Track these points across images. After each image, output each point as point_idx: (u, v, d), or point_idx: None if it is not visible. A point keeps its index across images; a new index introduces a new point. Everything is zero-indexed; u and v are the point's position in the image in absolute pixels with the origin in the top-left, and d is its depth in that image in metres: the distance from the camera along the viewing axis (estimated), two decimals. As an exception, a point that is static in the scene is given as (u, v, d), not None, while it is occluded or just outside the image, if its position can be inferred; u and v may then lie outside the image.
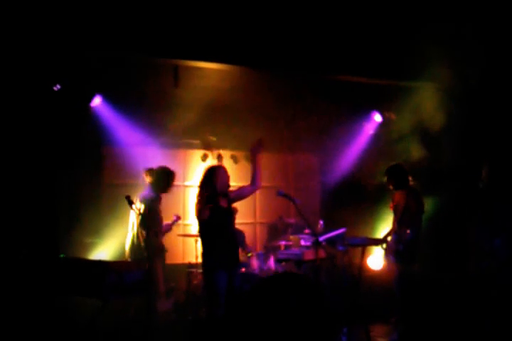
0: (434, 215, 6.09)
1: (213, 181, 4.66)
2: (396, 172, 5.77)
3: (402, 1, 6.06)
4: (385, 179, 5.83)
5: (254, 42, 5.99)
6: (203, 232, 4.73)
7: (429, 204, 5.79)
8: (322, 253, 5.27)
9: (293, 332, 3.93)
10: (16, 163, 5.47)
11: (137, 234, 5.51)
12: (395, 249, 5.53)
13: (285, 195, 4.92)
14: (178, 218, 6.30)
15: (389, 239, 5.69)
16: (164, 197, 5.85)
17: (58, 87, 5.86)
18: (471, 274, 5.27)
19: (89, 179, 6.83)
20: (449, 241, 6.24)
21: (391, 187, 5.79)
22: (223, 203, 4.68)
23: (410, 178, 5.71)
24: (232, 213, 4.89)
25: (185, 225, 7.49)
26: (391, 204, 5.82)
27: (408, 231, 5.46)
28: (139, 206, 5.49)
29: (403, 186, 5.69)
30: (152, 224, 5.41)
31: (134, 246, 5.55)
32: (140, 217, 5.30)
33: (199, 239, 6.49)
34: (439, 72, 6.11)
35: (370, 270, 6.97)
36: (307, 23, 6.04)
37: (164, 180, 5.73)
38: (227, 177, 4.76)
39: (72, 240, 6.00)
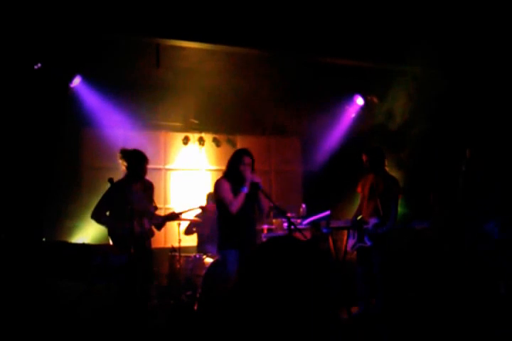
0: (421, 198, 6.13)
1: (238, 165, 4.69)
2: (376, 154, 5.76)
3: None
4: (363, 158, 5.79)
5: (237, 21, 5.87)
6: (222, 214, 4.73)
7: (414, 187, 5.81)
8: (307, 236, 5.27)
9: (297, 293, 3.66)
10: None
11: None
12: (376, 232, 5.54)
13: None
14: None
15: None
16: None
17: (39, 65, 5.67)
18: (461, 256, 5.32)
19: (68, 161, 6.69)
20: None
21: (368, 166, 5.74)
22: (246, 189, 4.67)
23: (386, 163, 5.73)
24: (252, 197, 4.76)
25: (166, 209, 7.40)
26: (360, 187, 5.80)
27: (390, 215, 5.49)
28: None
29: (380, 169, 5.69)
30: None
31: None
32: None
33: (181, 223, 6.53)
34: (424, 56, 6.09)
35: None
36: (292, 3, 5.95)
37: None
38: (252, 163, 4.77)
39: (52, 224, 5.88)
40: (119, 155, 5.29)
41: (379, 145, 6.02)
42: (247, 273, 1.49)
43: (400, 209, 5.70)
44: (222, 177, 4.81)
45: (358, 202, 5.96)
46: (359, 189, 5.87)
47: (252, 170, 4.77)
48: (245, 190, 4.62)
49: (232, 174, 4.74)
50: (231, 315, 1.47)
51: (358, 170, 6.00)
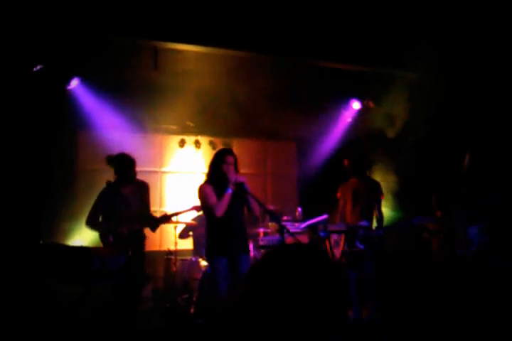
0: (415, 201, 6.15)
1: (221, 165, 4.47)
2: (359, 159, 5.78)
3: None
4: (345, 163, 5.81)
5: (235, 24, 5.88)
6: (209, 220, 4.52)
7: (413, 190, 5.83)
8: (304, 240, 5.27)
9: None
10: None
11: None
12: (369, 235, 5.54)
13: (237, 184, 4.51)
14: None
15: None
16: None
17: (38, 67, 5.64)
18: (446, 260, 5.35)
19: (64, 164, 6.66)
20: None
21: (349, 171, 5.76)
22: (230, 189, 4.44)
23: (371, 168, 5.78)
24: (240, 199, 4.53)
25: (162, 212, 7.38)
26: (341, 192, 5.79)
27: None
28: None
29: (362, 174, 5.71)
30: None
31: None
32: None
33: (177, 226, 6.51)
34: (421, 60, 6.12)
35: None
36: (289, 6, 5.96)
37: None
38: (234, 162, 4.54)
39: (49, 226, 5.84)
40: (105, 161, 5.28)
41: (376, 148, 6.05)
42: (255, 281, 1.46)
43: (394, 213, 5.72)
44: (204, 182, 4.58)
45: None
46: (339, 194, 5.84)
47: (236, 170, 4.53)
48: (229, 190, 4.39)
49: (215, 175, 4.50)
50: (235, 323, 1.44)
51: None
